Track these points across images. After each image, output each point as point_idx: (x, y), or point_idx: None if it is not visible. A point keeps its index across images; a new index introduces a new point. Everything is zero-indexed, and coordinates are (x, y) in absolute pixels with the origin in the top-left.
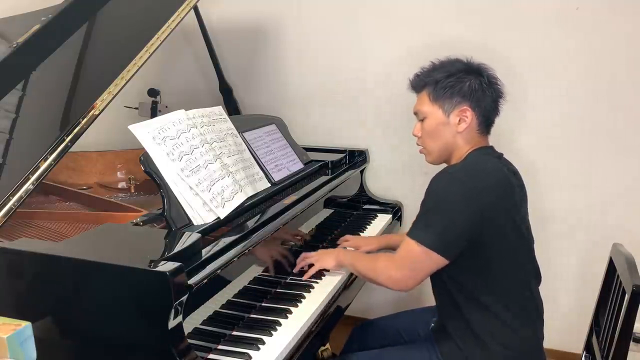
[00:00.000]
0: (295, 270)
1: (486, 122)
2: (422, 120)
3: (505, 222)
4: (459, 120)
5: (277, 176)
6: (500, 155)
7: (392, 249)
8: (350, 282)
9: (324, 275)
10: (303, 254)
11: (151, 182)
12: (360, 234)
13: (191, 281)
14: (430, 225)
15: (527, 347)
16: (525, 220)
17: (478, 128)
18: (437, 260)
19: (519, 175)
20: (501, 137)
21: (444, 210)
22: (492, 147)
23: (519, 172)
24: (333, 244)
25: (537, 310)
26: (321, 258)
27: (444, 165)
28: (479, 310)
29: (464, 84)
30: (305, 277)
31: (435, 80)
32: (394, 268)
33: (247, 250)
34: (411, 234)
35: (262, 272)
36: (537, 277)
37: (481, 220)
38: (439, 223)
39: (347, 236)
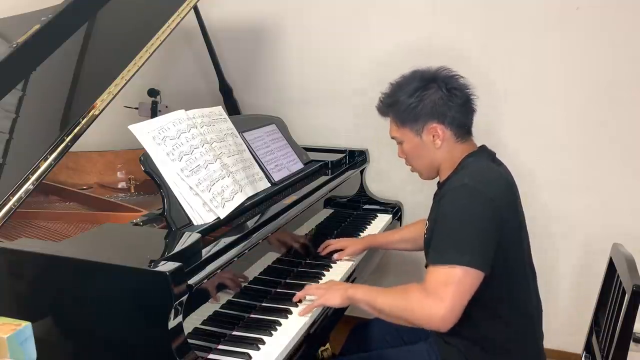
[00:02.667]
0: (294, 300)
1: (462, 129)
2: (400, 144)
3: (515, 223)
4: (433, 138)
5: (277, 176)
6: (494, 156)
7: (377, 248)
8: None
9: (324, 276)
10: (307, 287)
11: (151, 182)
12: (360, 234)
13: (191, 281)
14: (462, 243)
15: (527, 346)
16: (524, 218)
17: (455, 138)
18: (479, 278)
19: (511, 175)
20: (502, 138)
21: (471, 224)
22: (484, 147)
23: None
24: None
25: (537, 308)
26: (326, 294)
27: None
28: (478, 310)
29: (424, 102)
30: (301, 314)
31: (396, 105)
32: (434, 300)
33: (247, 250)
34: (443, 259)
35: (262, 272)
36: (535, 277)
37: (501, 226)
38: (470, 238)
39: (329, 241)
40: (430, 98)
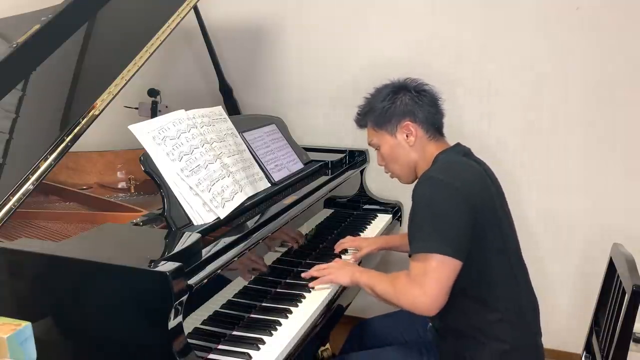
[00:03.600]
0: (305, 276)
1: (432, 127)
2: (378, 150)
3: (490, 215)
4: (407, 136)
5: (277, 176)
6: (467, 152)
7: (391, 249)
8: None
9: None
10: (317, 265)
11: (151, 182)
12: (360, 234)
13: (191, 281)
14: (434, 232)
15: (525, 341)
16: (506, 214)
17: (427, 135)
18: (455, 266)
19: (490, 170)
20: (500, 137)
21: (440, 214)
22: (457, 145)
23: (513, 171)
24: (333, 244)
25: (531, 303)
26: (336, 272)
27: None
28: (474, 307)
29: (396, 103)
30: (313, 285)
31: (371, 111)
32: (417, 288)
33: (247, 250)
34: (418, 248)
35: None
36: (525, 269)
37: (474, 215)
38: (441, 228)
39: (347, 237)
40: (401, 100)
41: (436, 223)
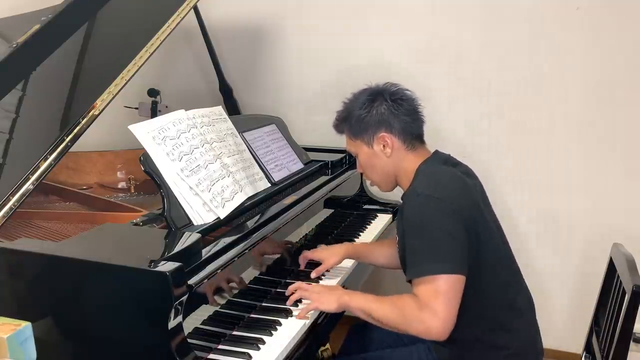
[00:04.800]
0: (287, 294)
1: (410, 137)
2: (357, 157)
3: (478, 223)
4: (383, 147)
5: (277, 176)
6: (447, 159)
7: (360, 259)
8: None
9: (324, 276)
10: (298, 284)
11: (151, 182)
12: (361, 234)
13: (191, 281)
14: (434, 252)
15: (524, 343)
16: (494, 219)
17: (405, 146)
18: (461, 281)
19: (471, 171)
20: (500, 137)
21: (436, 232)
22: (436, 153)
23: (513, 171)
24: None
25: (529, 304)
26: (319, 299)
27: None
28: (472, 311)
29: (371, 113)
30: (298, 317)
31: (347, 119)
32: (429, 314)
33: (247, 250)
34: (422, 271)
35: (263, 272)
36: (519, 272)
37: (466, 227)
38: (440, 245)
39: (305, 252)
40: (376, 109)
41: (435, 242)
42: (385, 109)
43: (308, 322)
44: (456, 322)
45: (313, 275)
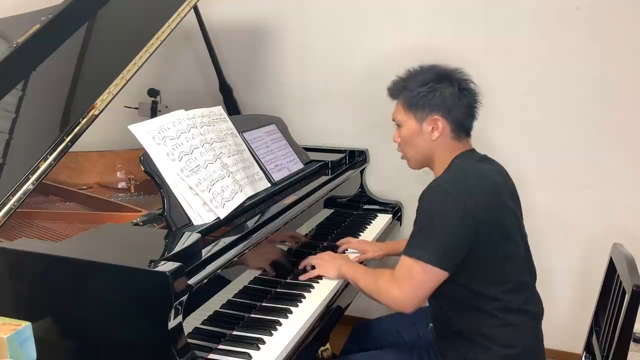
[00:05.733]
0: (299, 267)
1: (460, 129)
2: (399, 127)
3: (497, 227)
4: (432, 129)
5: (277, 176)
6: (483, 157)
7: (398, 254)
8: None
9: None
10: (309, 257)
11: (151, 182)
12: (361, 234)
13: (191, 281)
14: (427, 241)
15: (528, 347)
16: (518, 219)
17: (452, 135)
18: (438, 275)
19: (505, 171)
20: (501, 137)
21: (438, 225)
22: (473, 150)
23: (512, 172)
24: (333, 244)
25: (537, 309)
26: (324, 265)
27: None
28: (477, 312)
29: (435, 93)
30: (302, 278)
31: (408, 89)
32: (397, 288)
33: (247, 250)
34: (408, 252)
35: (262, 272)
36: (533, 276)
37: (475, 229)
38: (435, 238)
39: (350, 238)
40: (441, 91)
41: (432, 232)
42: (449, 94)
43: (308, 321)
44: (466, 316)
45: (355, 258)
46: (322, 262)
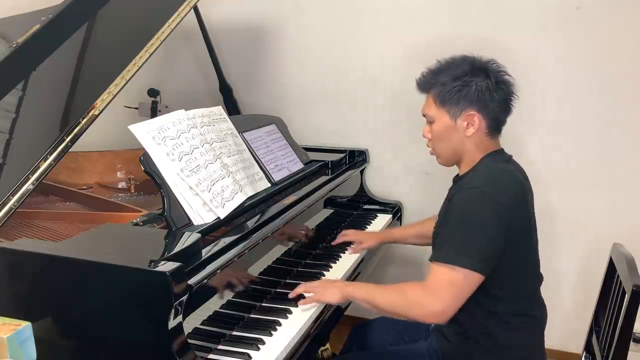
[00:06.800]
0: (290, 297)
1: (496, 124)
2: (430, 123)
3: (524, 229)
4: (467, 125)
5: (277, 176)
6: (509, 158)
7: (393, 242)
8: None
9: (324, 275)
10: (303, 284)
11: (151, 182)
12: None
13: (191, 281)
14: (466, 246)
15: (529, 348)
16: (535, 222)
17: (487, 131)
18: (478, 280)
19: (525, 174)
20: (503, 137)
21: (477, 228)
22: (502, 150)
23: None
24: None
25: (541, 310)
26: (322, 291)
27: (454, 166)
28: (481, 312)
29: (470, 87)
30: (301, 304)
31: (441, 83)
32: (433, 299)
33: (247, 250)
34: (444, 258)
35: (262, 272)
36: (540, 280)
37: (508, 231)
38: (474, 242)
39: (346, 231)
40: (476, 85)
41: (471, 237)
42: (485, 87)
43: (308, 321)
44: (474, 317)
45: (350, 251)
46: (318, 289)
